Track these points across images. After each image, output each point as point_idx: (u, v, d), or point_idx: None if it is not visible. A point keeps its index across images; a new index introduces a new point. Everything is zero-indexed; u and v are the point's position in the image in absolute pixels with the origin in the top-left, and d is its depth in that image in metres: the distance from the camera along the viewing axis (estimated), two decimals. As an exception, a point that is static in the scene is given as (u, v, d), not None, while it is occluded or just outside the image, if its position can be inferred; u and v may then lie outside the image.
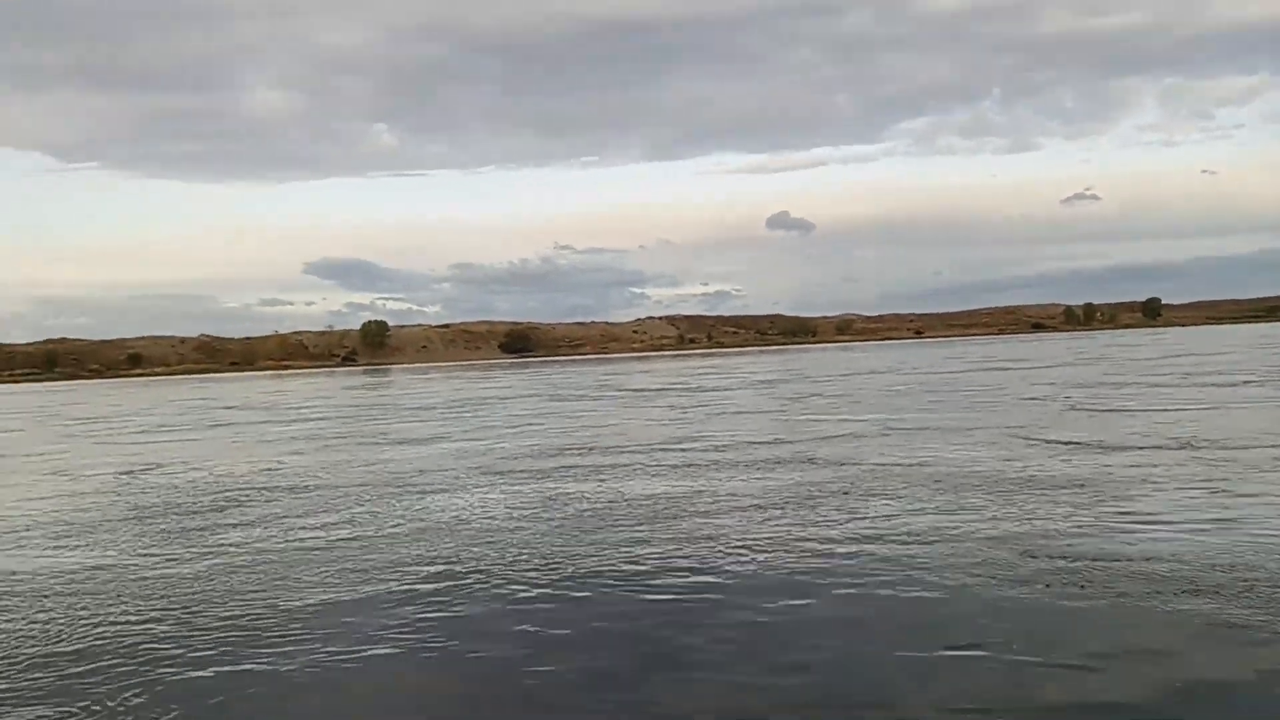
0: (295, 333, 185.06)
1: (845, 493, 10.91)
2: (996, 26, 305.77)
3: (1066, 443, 14.39)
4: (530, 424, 23.32)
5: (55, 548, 10.00)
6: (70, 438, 26.93)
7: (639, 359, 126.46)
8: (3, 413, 46.12)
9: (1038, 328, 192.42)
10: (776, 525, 9.31)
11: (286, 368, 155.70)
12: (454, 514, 10.79)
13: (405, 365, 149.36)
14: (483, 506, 11.24)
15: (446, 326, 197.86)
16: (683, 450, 15.95)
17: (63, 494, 14.33)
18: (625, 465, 14.35)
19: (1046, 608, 6.38)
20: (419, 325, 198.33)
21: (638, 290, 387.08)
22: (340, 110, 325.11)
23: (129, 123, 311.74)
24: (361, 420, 28.82)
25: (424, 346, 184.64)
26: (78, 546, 9.95)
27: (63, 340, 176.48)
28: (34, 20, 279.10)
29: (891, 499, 10.35)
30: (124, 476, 16.11)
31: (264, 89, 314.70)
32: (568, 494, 11.88)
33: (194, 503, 12.53)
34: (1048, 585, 6.83)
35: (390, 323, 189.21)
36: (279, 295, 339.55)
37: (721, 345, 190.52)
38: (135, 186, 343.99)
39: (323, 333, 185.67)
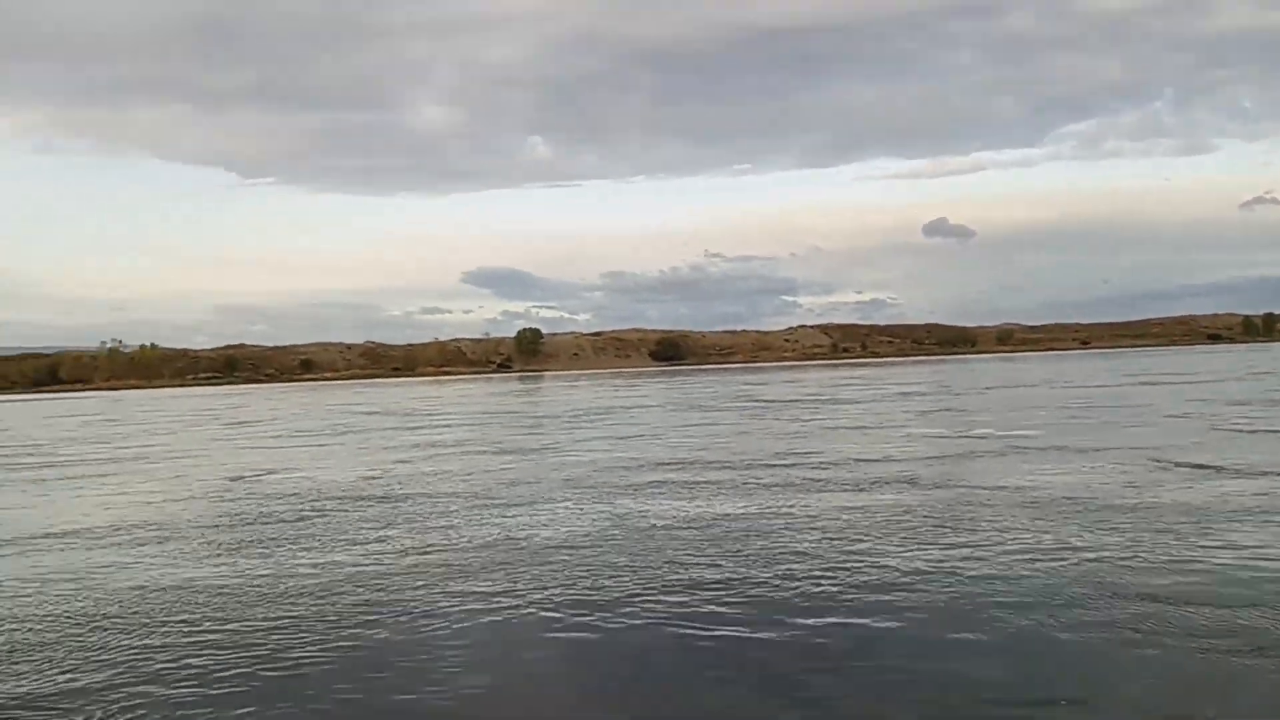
0: (454, 340, 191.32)
1: (933, 520, 10.18)
2: (1168, 23, 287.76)
3: (1194, 466, 13.17)
4: (647, 435, 23.14)
5: (120, 549, 10.37)
6: (214, 441, 28.31)
7: (788, 368, 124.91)
8: (174, 415, 49.04)
9: (1214, 339, 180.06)
10: (842, 552, 8.73)
11: (446, 374, 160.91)
12: (513, 532, 10.63)
13: (557, 372, 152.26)
14: (548, 524, 11.03)
15: (598, 334, 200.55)
16: (783, 467, 15.37)
17: (164, 498, 14.97)
18: (713, 483, 13.91)
19: (1108, 652, 5.71)
20: (571, 333, 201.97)
21: (789, 298, 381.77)
22: (499, 124, 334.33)
23: (303, 140, 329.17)
24: (488, 427, 29.25)
25: (575, 354, 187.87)
26: (140, 550, 10.29)
27: (241, 346, 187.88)
28: (217, 45, 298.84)
29: (977, 529, 9.58)
30: (232, 482, 16.71)
31: (428, 105, 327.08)
32: (638, 512, 11.54)
33: (277, 512, 12.80)
34: (1113, 627, 6.15)
35: (544, 330, 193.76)
36: (439, 304, 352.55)
37: (876, 355, 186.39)
38: (308, 200, 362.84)
39: (479, 340, 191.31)
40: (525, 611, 7.25)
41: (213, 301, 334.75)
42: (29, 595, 8.39)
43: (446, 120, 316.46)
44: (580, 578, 8.17)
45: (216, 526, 11.80)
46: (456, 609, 7.36)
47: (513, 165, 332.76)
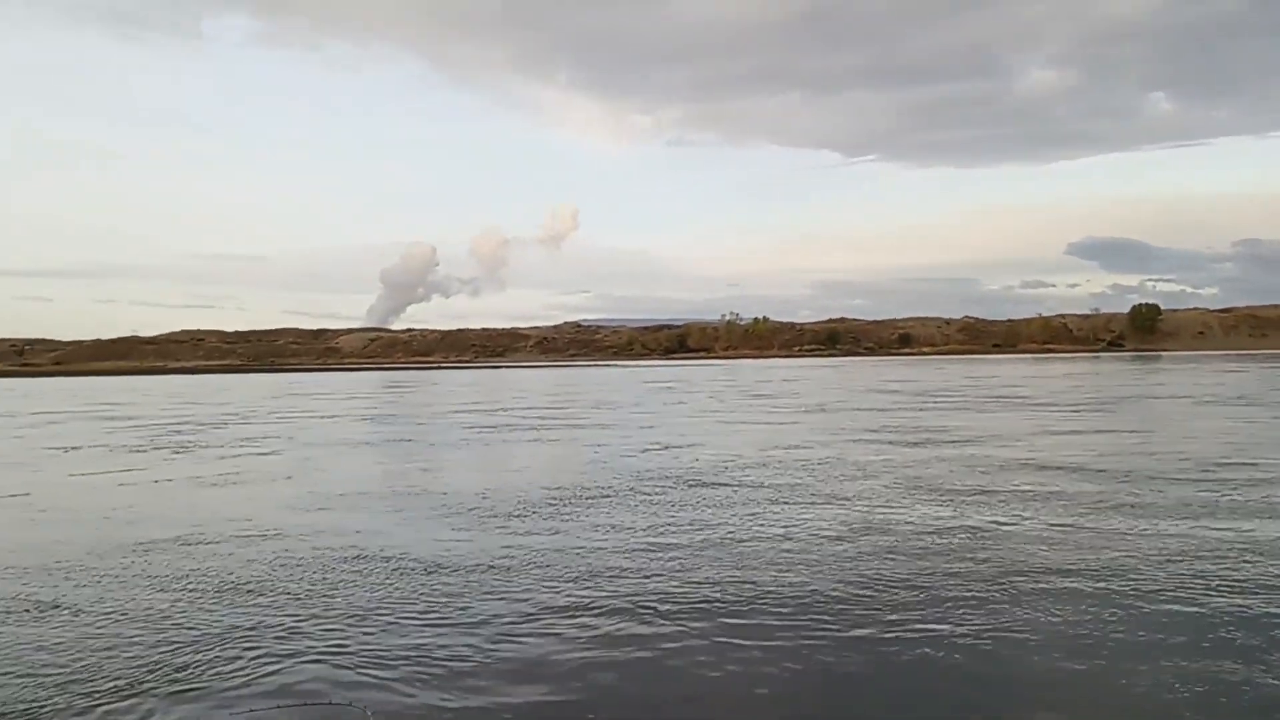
0: (1058, 316, 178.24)
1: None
2: None
3: None
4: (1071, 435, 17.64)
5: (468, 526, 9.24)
6: (745, 409, 27.79)
7: None
8: (799, 380, 50.64)
9: None
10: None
11: (1049, 351, 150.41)
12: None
13: (1177, 352, 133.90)
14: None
15: (1227, 311, 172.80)
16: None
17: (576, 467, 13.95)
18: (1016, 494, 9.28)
19: None
20: (1194, 309, 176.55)
21: None
22: (1113, 83, 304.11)
23: (905, 115, 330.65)
24: (1113, 414, 24.95)
25: (1200, 332, 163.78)
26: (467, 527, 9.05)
27: (842, 320, 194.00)
28: (825, 31, 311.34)
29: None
30: (636, 455, 15.35)
31: (1036, 69, 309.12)
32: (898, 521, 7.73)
33: (560, 496, 10.98)
34: None
35: (1162, 306, 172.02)
36: (1040, 277, 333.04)
37: None
38: (908, 175, 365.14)
39: (1087, 316, 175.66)
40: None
41: (816, 277, 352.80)
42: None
43: (1056, 83, 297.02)
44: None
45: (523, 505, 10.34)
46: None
47: (1128, 126, 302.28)
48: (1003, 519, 9.18)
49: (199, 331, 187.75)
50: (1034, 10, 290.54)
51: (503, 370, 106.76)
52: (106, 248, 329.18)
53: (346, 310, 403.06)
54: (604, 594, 6.67)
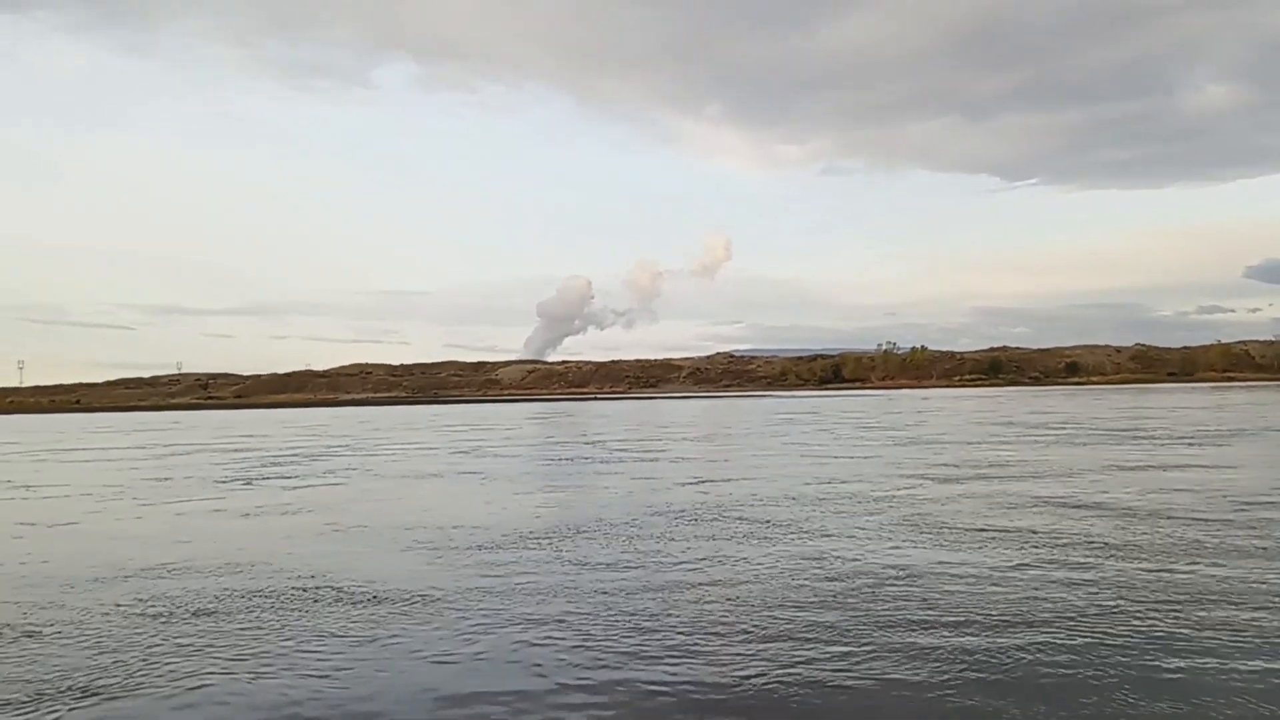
0: (1239, 343, 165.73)
1: None
2: None
3: None
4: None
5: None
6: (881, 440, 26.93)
7: None
8: (952, 414, 49.17)
9: None
10: None
11: (1230, 379, 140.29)
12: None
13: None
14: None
15: None
16: None
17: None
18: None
19: None
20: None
21: None
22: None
23: (1066, 136, 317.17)
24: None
25: None
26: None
27: (1004, 348, 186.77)
28: (982, 53, 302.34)
29: None
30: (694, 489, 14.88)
31: (1206, 84, 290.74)
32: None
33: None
34: None
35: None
36: (1216, 302, 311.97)
37: None
38: (1071, 198, 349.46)
39: (1270, 342, 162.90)
40: None
41: (974, 304, 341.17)
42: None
43: (1228, 98, 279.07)
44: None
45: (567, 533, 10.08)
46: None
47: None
48: (951, 559, 8.70)
49: (367, 365, 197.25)
50: (1201, 23, 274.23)
51: (656, 401, 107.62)
52: (281, 286, 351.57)
53: (505, 343, 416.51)
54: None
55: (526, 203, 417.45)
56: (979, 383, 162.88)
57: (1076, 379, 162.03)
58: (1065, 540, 9.68)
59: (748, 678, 5.59)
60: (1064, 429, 30.72)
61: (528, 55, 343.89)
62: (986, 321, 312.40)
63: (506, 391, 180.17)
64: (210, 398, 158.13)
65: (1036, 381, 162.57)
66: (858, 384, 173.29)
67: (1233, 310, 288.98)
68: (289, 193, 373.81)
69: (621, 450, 25.47)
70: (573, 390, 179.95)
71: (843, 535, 10.31)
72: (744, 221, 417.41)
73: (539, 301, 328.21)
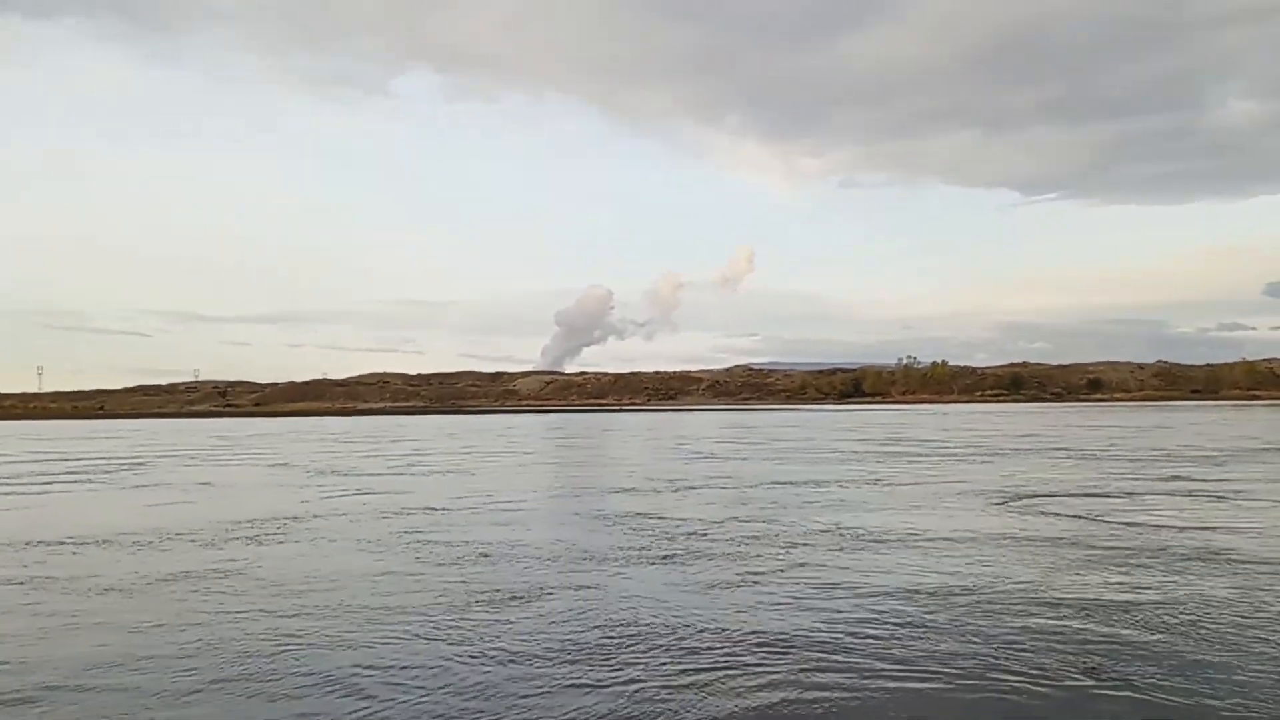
0: (1264, 360, 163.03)
1: None
2: None
3: None
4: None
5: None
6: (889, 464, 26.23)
7: None
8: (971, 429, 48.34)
9: None
10: None
11: (1254, 397, 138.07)
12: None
13: None
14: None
15: None
16: None
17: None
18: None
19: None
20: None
21: None
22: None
23: (1088, 151, 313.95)
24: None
25: None
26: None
27: (1025, 364, 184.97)
28: (1011, 67, 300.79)
29: None
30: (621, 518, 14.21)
31: (1235, 100, 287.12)
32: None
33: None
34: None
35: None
36: (1238, 319, 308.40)
37: None
38: (1092, 214, 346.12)
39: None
40: None
41: (996, 319, 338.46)
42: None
43: (1256, 114, 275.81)
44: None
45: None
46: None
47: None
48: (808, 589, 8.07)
49: (385, 374, 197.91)
50: (1230, 39, 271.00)
51: (675, 413, 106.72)
52: (299, 294, 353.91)
53: (521, 353, 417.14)
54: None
55: (548, 214, 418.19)
56: (1000, 398, 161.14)
57: (1099, 395, 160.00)
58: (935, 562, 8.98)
59: None
60: (1069, 447, 29.83)
61: (551, 67, 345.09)
62: (1006, 336, 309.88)
63: (524, 402, 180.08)
64: (229, 405, 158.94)
65: (1058, 398, 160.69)
66: (878, 398, 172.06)
67: (1254, 328, 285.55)
68: (309, 201, 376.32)
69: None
70: (591, 401, 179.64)
71: (719, 556, 9.67)
72: (763, 234, 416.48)
73: (558, 310, 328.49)
